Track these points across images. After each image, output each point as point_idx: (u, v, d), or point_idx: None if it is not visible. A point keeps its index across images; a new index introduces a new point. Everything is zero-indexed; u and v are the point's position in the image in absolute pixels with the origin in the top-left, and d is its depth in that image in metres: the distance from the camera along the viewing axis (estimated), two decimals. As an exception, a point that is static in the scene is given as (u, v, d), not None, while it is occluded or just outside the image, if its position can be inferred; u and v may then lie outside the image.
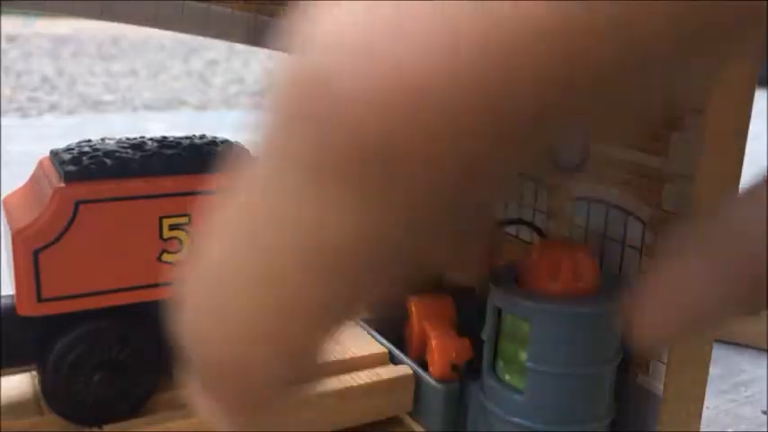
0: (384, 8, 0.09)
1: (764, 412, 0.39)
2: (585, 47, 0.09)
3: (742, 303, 0.16)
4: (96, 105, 1.69)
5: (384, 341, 0.31)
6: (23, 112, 1.50)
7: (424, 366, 0.29)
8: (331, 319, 0.11)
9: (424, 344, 0.30)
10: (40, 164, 0.25)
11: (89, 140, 0.25)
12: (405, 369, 0.29)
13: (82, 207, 0.23)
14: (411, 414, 0.29)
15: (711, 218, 0.17)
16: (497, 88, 0.09)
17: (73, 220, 0.22)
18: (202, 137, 0.26)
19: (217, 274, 0.11)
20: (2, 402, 0.25)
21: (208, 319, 0.12)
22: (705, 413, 0.26)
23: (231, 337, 0.11)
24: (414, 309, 0.31)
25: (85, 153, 0.24)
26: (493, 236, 0.22)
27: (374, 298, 0.11)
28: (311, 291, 0.10)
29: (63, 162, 0.23)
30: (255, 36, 0.26)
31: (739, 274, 0.16)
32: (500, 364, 0.25)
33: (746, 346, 0.46)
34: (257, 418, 0.12)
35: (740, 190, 0.17)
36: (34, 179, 0.25)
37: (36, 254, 0.22)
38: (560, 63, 0.09)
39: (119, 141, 0.25)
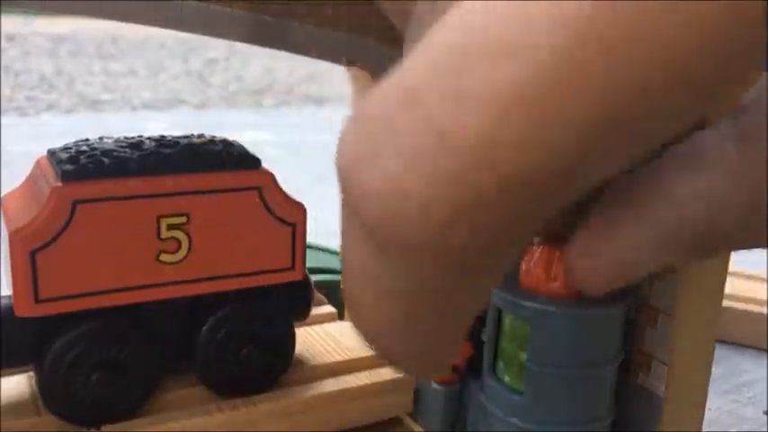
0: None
1: (766, 413, 0.39)
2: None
3: (668, 257, 0.19)
4: (95, 104, 1.69)
5: (384, 341, 0.31)
6: (21, 112, 1.50)
7: (424, 367, 0.29)
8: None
9: (424, 344, 0.29)
10: (38, 163, 0.25)
11: (87, 140, 0.25)
12: (405, 370, 0.28)
13: (79, 206, 0.22)
14: (411, 415, 0.29)
15: (645, 182, 0.19)
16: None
17: (70, 219, 0.22)
18: (201, 136, 0.26)
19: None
20: (0, 403, 0.25)
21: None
22: (707, 414, 0.26)
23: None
24: (414, 309, 0.30)
25: (83, 152, 0.24)
26: None
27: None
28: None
29: (60, 161, 0.23)
30: (255, 35, 0.26)
31: (668, 233, 0.19)
32: (500, 364, 0.25)
33: (749, 347, 0.46)
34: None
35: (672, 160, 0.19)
36: (32, 179, 0.25)
37: (33, 254, 0.22)
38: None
39: (117, 141, 0.25)
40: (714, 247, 0.19)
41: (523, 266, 0.24)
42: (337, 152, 0.12)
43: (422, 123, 0.11)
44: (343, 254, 0.14)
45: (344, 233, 0.14)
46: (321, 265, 0.45)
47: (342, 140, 0.12)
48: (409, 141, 0.11)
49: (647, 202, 0.20)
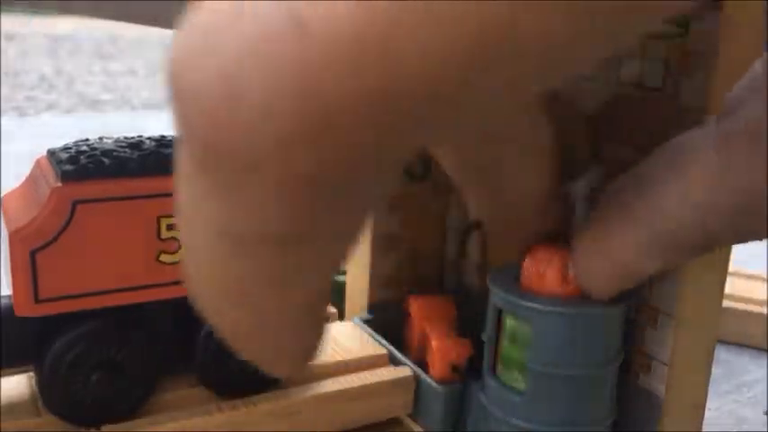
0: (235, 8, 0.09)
1: (766, 413, 0.39)
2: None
3: (665, 259, 0.20)
4: (94, 104, 1.69)
5: (384, 342, 0.31)
6: (21, 111, 1.50)
7: (425, 367, 0.29)
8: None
9: (424, 345, 0.29)
10: (38, 163, 0.25)
11: (87, 140, 0.25)
12: (405, 370, 0.28)
13: (79, 207, 0.22)
14: (411, 415, 0.29)
15: (635, 185, 0.20)
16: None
17: (70, 219, 0.22)
18: (201, 136, 0.26)
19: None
20: (0, 403, 0.25)
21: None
22: (707, 414, 0.26)
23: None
24: (414, 309, 0.30)
25: (83, 152, 0.23)
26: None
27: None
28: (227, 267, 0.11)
29: (60, 161, 0.23)
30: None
31: (659, 238, 0.19)
32: (500, 364, 0.25)
33: (749, 347, 0.46)
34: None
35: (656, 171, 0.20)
36: (32, 179, 0.25)
37: (33, 254, 0.22)
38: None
39: (117, 141, 0.25)
40: (706, 246, 0.20)
41: (524, 266, 0.24)
42: (167, 54, 0.10)
43: (275, 9, 0.09)
44: (176, 204, 0.12)
45: (177, 173, 0.12)
46: (321, 265, 0.45)
47: (175, 38, 0.10)
48: (253, 27, 0.09)
49: (638, 207, 0.20)
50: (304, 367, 0.14)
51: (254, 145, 0.09)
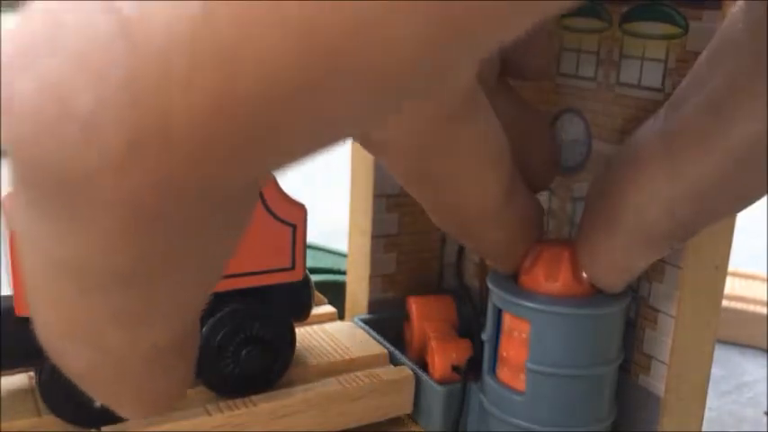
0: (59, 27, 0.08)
1: (766, 413, 0.39)
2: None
3: (651, 254, 0.20)
4: (95, 104, 1.68)
5: (384, 342, 0.31)
6: (22, 112, 1.50)
7: (425, 367, 0.29)
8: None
9: (424, 345, 0.29)
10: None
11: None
12: (405, 370, 0.28)
13: (80, 207, 0.22)
14: (411, 415, 0.29)
15: (608, 186, 0.20)
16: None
17: (71, 219, 0.22)
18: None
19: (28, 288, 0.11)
20: (0, 403, 0.25)
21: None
22: (707, 414, 0.26)
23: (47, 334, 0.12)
24: (414, 309, 0.30)
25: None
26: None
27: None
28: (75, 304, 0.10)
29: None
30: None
31: (637, 237, 0.20)
32: (500, 364, 0.25)
33: (749, 347, 0.46)
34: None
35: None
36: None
37: (34, 254, 0.22)
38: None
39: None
40: (681, 235, 0.20)
41: (523, 266, 0.24)
42: None
43: (97, 9, 0.08)
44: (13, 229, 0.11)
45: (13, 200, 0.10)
46: (321, 265, 0.45)
47: (2, 44, 0.09)
48: (76, 32, 0.08)
49: (611, 207, 0.20)
50: (166, 409, 0.13)
51: (79, 160, 0.08)
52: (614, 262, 0.21)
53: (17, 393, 0.25)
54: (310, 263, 0.28)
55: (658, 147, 0.19)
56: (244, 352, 0.26)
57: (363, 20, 0.08)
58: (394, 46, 0.08)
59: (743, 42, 0.16)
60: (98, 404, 0.24)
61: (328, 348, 0.30)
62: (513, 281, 0.24)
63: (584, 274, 0.23)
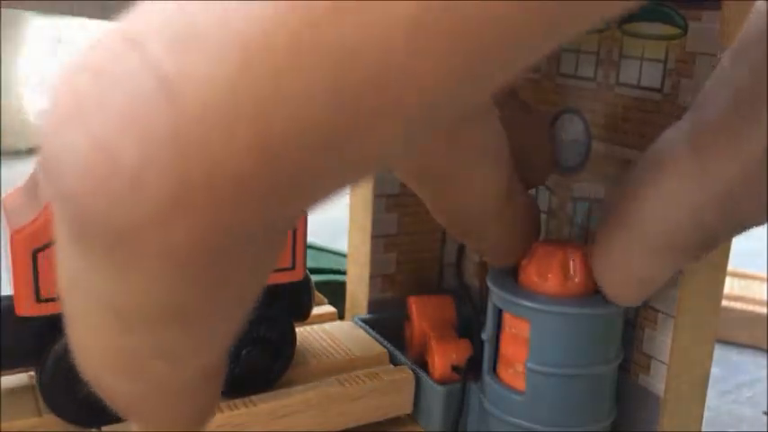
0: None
1: (766, 413, 0.39)
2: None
3: (673, 263, 0.20)
4: (95, 105, 1.68)
5: (384, 342, 0.31)
6: (22, 112, 1.50)
7: (425, 367, 0.29)
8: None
9: (424, 344, 0.29)
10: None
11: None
12: (405, 370, 0.28)
13: (80, 207, 0.22)
14: (411, 415, 0.29)
15: (627, 194, 0.20)
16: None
17: (71, 219, 0.22)
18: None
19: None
20: (0, 403, 0.25)
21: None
22: (706, 414, 0.26)
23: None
24: (414, 309, 0.30)
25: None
26: None
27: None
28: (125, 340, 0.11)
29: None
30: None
31: (658, 244, 0.19)
32: (500, 364, 0.25)
33: (749, 347, 0.46)
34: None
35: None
36: (33, 178, 0.25)
37: (35, 254, 0.22)
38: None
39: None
40: (708, 244, 0.19)
41: (523, 266, 0.24)
42: (42, 117, 0.09)
43: (139, 67, 0.08)
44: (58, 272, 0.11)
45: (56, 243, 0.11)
46: (321, 265, 0.45)
47: (49, 101, 0.09)
48: (122, 91, 0.08)
49: (631, 215, 0.20)
50: (202, 427, 0.13)
51: (128, 214, 0.08)
52: (631, 272, 0.21)
53: (17, 393, 0.25)
54: (310, 263, 0.28)
55: (684, 149, 0.18)
56: (244, 352, 0.26)
57: (387, 64, 0.08)
58: (422, 84, 0.08)
59: (766, 37, 0.16)
60: (98, 404, 0.24)
61: (328, 348, 0.30)
62: (513, 280, 0.24)
63: (603, 290, 0.22)
